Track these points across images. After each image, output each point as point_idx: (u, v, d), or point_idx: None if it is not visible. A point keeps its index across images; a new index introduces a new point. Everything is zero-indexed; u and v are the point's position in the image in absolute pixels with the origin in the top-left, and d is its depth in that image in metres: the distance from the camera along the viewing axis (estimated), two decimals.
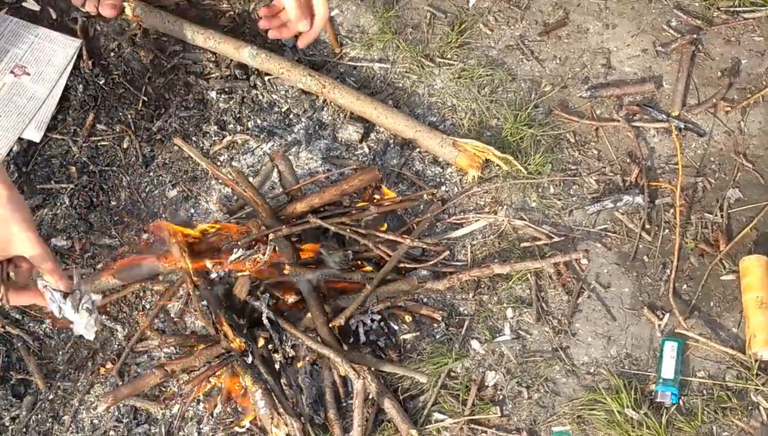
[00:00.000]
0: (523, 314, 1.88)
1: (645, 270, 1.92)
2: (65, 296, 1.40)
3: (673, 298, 1.88)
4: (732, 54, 2.15)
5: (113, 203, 1.99)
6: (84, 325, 1.43)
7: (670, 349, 1.81)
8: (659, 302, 1.89)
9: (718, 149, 2.05)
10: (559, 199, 1.99)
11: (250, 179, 1.93)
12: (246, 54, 2.09)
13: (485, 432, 1.78)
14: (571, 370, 1.83)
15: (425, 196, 1.99)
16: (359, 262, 1.86)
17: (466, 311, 1.89)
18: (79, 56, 2.10)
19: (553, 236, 1.94)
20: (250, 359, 1.73)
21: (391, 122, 2.02)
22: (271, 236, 1.80)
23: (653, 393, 1.79)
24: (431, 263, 1.86)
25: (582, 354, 1.85)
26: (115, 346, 1.86)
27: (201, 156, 1.92)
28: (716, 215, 1.97)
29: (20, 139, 2.00)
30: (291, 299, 1.80)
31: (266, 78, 2.12)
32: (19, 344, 1.84)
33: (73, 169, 2.01)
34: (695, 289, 1.90)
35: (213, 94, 2.11)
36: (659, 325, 1.86)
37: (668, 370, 1.79)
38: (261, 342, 1.77)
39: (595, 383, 1.81)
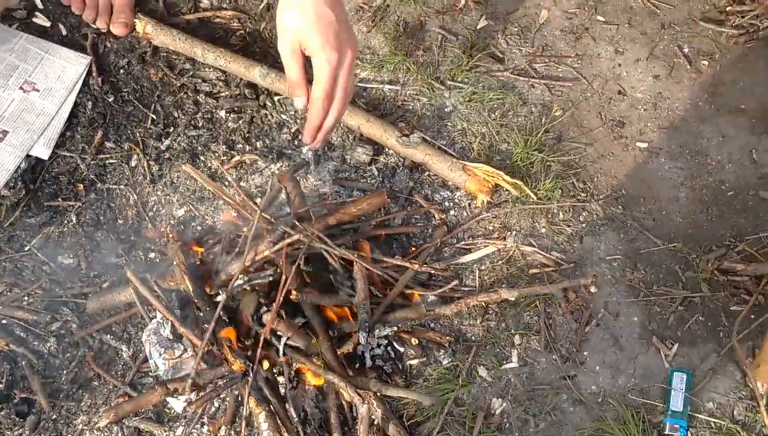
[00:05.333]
0: (531, 341, 1.87)
1: (654, 299, 1.91)
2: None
3: (683, 328, 1.87)
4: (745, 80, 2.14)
5: (120, 222, 1.98)
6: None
7: (679, 380, 1.79)
8: (668, 331, 1.88)
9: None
10: (569, 226, 1.98)
11: (258, 200, 1.92)
12: (256, 73, 2.08)
13: None
14: (578, 399, 1.81)
15: (435, 218, 1.98)
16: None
17: (473, 337, 1.88)
18: (89, 73, 2.10)
19: (562, 262, 1.93)
20: (250, 378, 1.71)
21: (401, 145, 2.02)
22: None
23: (662, 425, 1.77)
24: (440, 290, 1.84)
25: (590, 383, 1.83)
26: (120, 366, 1.85)
27: (208, 180, 1.91)
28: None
29: (28, 155, 2.00)
30: (297, 323, 1.79)
31: (276, 98, 2.12)
32: (23, 363, 1.83)
33: (81, 186, 2.00)
34: (706, 318, 1.89)
35: (222, 113, 2.10)
36: (667, 355, 1.85)
37: (677, 402, 1.77)
38: (266, 365, 1.76)
39: (603, 413, 1.80)
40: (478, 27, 2.22)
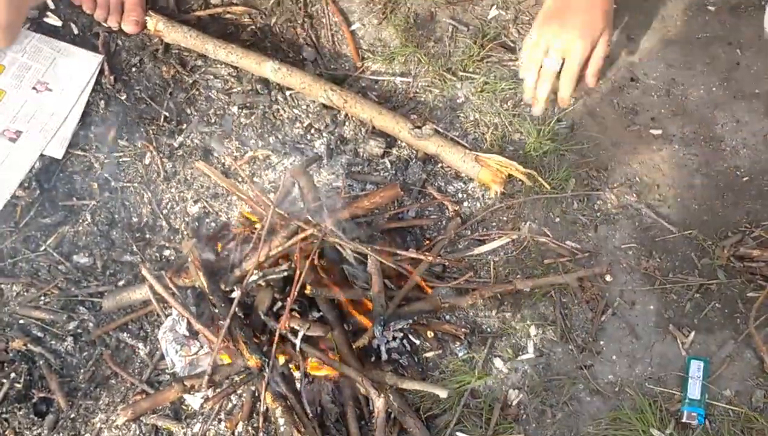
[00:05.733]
0: (547, 331, 1.86)
1: (670, 287, 1.90)
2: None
3: (699, 315, 1.86)
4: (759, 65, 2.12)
5: (135, 220, 1.99)
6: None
7: (696, 368, 1.79)
8: (685, 319, 1.87)
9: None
10: (583, 215, 1.97)
11: (271, 195, 1.93)
12: (268, 69, 2.08)
13: None
14: (595, 389, 1.81)
15: (449, 210, 1.97)
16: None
17: (488, 329, 1.88)
18: (101, 72, 2.10)
19: (576, 252, 1.93)
20: (267, 374, 1.71)
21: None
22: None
23: (679, 413, 1.76)
24: (454, 282, 1.84)
25: (606, 373, 1.83)
26: (137, 364, 1.86)
27: (221, 177, 1.91)
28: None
29: (42, 155, 2.01)
30: (311, 317, 1.80)
31: (288, 93, 2.11)
32: (41, 362, 1.84)
33: (95, 185, 2.01)
34: (722, 305, 1.88)
35: (234, 109, 2.10)
36: (684, 343, 1.84)
37: (694, 390, 1.77)
38: (282, 360, 1.76)
39: (620, 402, 1.79)
40: (489, 17, 2.21)
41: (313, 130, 2.08)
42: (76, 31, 2.17)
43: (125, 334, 1.87)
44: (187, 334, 1.77)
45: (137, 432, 1.78)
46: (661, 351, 1.84)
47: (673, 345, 1.85)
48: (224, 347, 1.74)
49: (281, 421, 1.70)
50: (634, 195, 1.99)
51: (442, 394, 1.74)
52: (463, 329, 1.86)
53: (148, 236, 1.97)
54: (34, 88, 2.07)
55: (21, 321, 1.87)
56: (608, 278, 1.91)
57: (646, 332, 1.86)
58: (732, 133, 2.05)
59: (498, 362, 1.84)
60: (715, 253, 1.92)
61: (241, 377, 1.76)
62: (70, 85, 2.08)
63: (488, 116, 2.08)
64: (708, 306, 1.88)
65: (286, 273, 1.79)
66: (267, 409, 1.73)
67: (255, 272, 1.78)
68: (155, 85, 2.12)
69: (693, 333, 1.85)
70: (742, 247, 1.91)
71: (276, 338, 1.71)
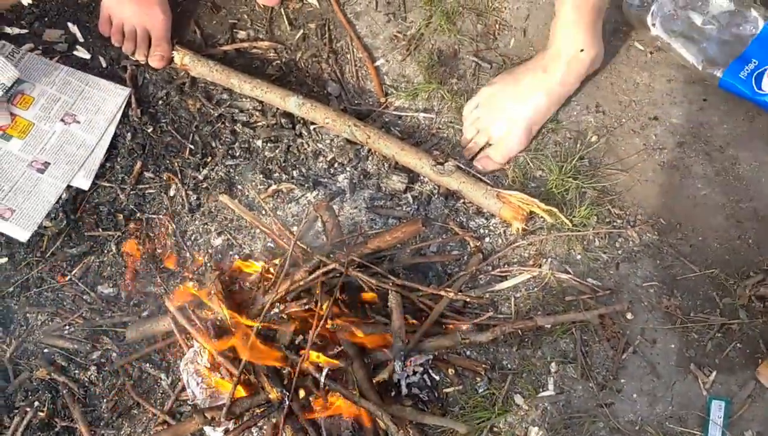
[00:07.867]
0: (567, 368, 1.86)
1: (692, 326, 1.89)
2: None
3: (720, 355, 1.85)
4: None
5: (159, 251, 2.01)
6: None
7: (718, 408, 1.78)
8: (706, 359, 1.87)
9: None
10: (605, 253, 1.97)
11: (294, 229, 1.94)
12: (292, 103, 2.10)
13: None
14: (615, 427, 1.80)
15: (471, 246, 1.98)
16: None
17: (509, 365, 1.88)
18: (128, 104, 2.13)
19: (597, 289, 1.93)
20: (286, 407, 1.72)
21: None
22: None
23: None
24: (477, 320, 1.84)
25: (627, 411, 1.82)
26: (159, 394, 1.87)
27: (245, 210, 1.93)
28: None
29: (69, 186, 2.03)
30: (332, 351, 1.80)
31: (312, 127, 2.13)
32: (64, 391, 1.86)
33: (121, 216, 2.03)
34: (744, 345, 1.87)
35: (259, 142, 2.12)
36: (705, 383, 1.84)
37: (715, 430, 1.76)
38: (302, 393, 1.77)
39: None
40: (512, 54, 2.22)
41: (336, 165, 2.10)
42: (104, 64, 2.20)
43: (148, 364, 1.89)
44: (209, 366, 1.78)
45: None
46: (682, 390, 1.84)
47: (694, 385, 1.84)
48: (245, 379, 1.75)
49: None
50: (656, 233, 1.99)
51: (462, 430, 1.74)
52: (483, 365, 1.86)
53: (171, 267, 1.99)
54: (62, 120, 2.10)
55: (45, 350, 1.89)
56: (629, 315, 1.91)
57: (667, 371, 1.86)
58: (754, 174, 2.05)
59: (518, 399, 1.84)
60: (737, 292, 1.92)
61: (261, 409, 1.77)
62: (97, 118, 2.11)
63: None
64: (729, 346, 1.87)
65: (307, 307, 1.80)
66: None
67: (276, 305, 1.79)
68: (181, 119, 2.15)
69: (714, 373, 1.84)
70: (763, 287, 1.91)
71: (297, 372, 1.72)
